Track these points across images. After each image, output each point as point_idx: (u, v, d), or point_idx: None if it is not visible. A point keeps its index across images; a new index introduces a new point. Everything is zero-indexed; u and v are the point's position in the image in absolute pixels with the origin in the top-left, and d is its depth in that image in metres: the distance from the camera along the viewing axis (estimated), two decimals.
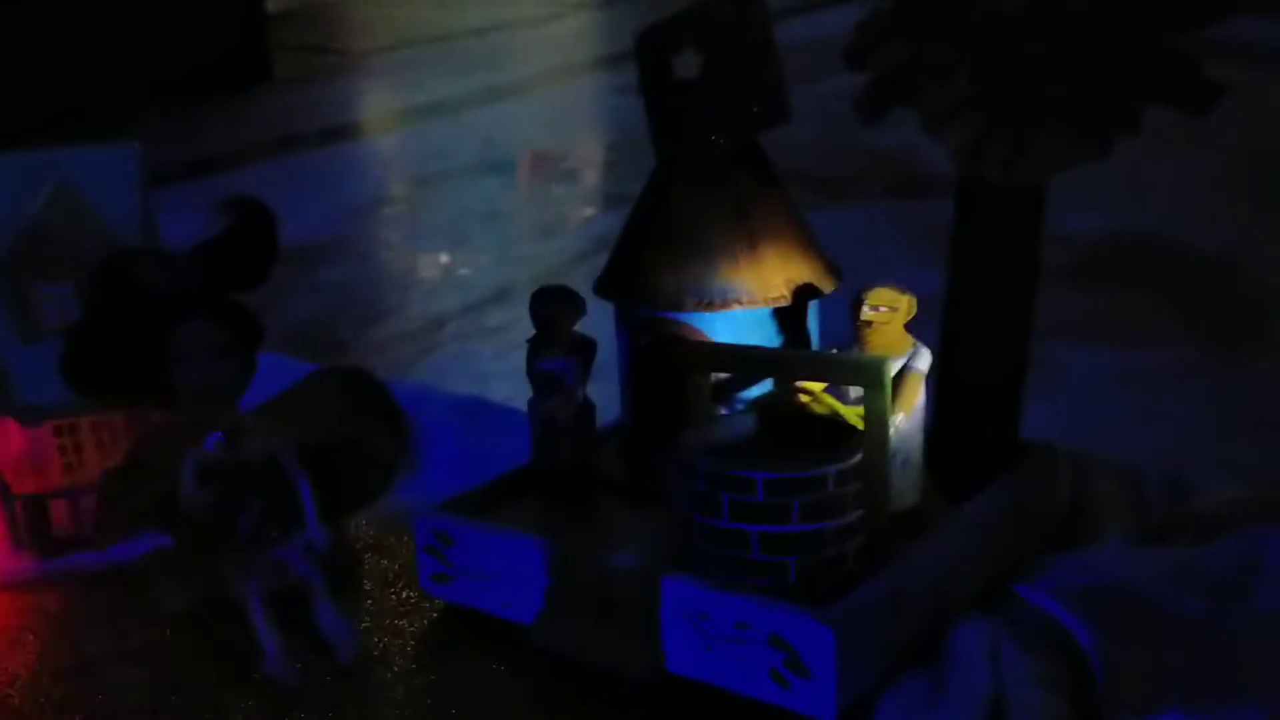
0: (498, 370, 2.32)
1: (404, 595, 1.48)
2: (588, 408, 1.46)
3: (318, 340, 2.53)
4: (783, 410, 1.32)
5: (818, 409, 1.32)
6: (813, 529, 1.18)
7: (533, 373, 1.47)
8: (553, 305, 1.45)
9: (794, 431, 1.27)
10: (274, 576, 1.44)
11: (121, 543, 1.50)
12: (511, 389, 2.21)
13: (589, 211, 3.52)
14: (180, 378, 1.45)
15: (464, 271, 2.96)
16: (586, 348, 1.47)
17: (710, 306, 1.42)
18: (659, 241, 1.46)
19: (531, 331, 1.48)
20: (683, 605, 1.21)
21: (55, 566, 1.56)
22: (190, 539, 1.47)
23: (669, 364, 1.34)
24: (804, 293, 1.46)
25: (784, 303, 1.44)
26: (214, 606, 1.46)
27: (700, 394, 1.31)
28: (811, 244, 1.50)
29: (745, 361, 1.31)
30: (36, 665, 1.41)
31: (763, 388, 1.41)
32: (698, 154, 1.46)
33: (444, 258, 3.09)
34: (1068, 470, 1.57)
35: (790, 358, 1.29)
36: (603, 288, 1.54)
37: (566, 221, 3.43)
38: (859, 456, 1.19)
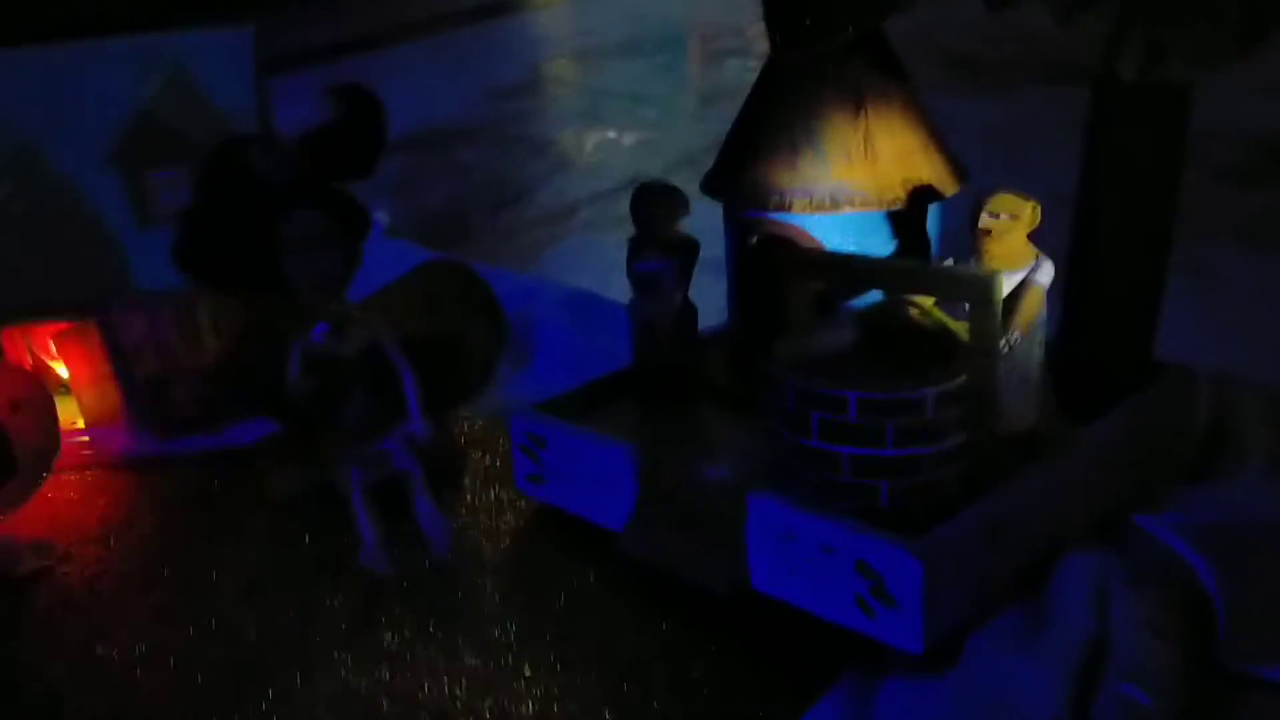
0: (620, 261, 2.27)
1: (500, 493, 1.48)
2: (688, 311, 1.41)
3: (449, 226, 2.52)
4: (888, 323, 1.24)
5: (926, 323, 1.24)
6: (908, 453, 1.11)
7: (632, 273, 1.42)
8: (652, 203, 1.39)
9: (898, 347, 1.19)
10: (376, 468, 1.45)
11: (234, 427, 1.53)
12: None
13: (730, 98, 3.41)
14: (288, 267, 1.45)
15: (599, 156, 2.90)
16: (687, 249, 1.41)
17: (820, 208, 1.34)
18: (768, 138, 1.37)
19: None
20: (769, 524, 1.16)
21: (172, 447, 1.61)
22: (296, 427, 1.50)
23: (771, 269, 1.27)
24: (923, 195, 1.37)
25: (899, 205, 1.36)
26: (319, 494, 1.50)
27: (802, 303, 1.25)
28: (934, 140, 1.40)
29: (847, 271, 1.23)
30: (147, 543, 1.46)
31: (871, 298, 1.34)
32: (815, 43, 1.37)
33: (581, 142, 3.04)
34: (1207, 394, 1.45)
35: (893, 269, 1.21)
36: (709, 186, 1.47)
37: (706, 107, 3.33)
38: (962, 379, 1.12)
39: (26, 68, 1.58)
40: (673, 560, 1.24)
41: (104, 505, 1.53)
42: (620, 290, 2.23)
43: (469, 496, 1.48)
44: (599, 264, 2.27)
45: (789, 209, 1.34)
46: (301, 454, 1.50)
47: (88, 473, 1.60)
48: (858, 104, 1.35)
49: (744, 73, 3.67)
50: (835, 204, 1.33)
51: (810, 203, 1.34)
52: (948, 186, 1.37)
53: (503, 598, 1.29)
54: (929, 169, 1.37)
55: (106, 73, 1.55)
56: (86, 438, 1.61)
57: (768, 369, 1.20)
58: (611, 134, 3.12)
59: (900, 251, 1.38)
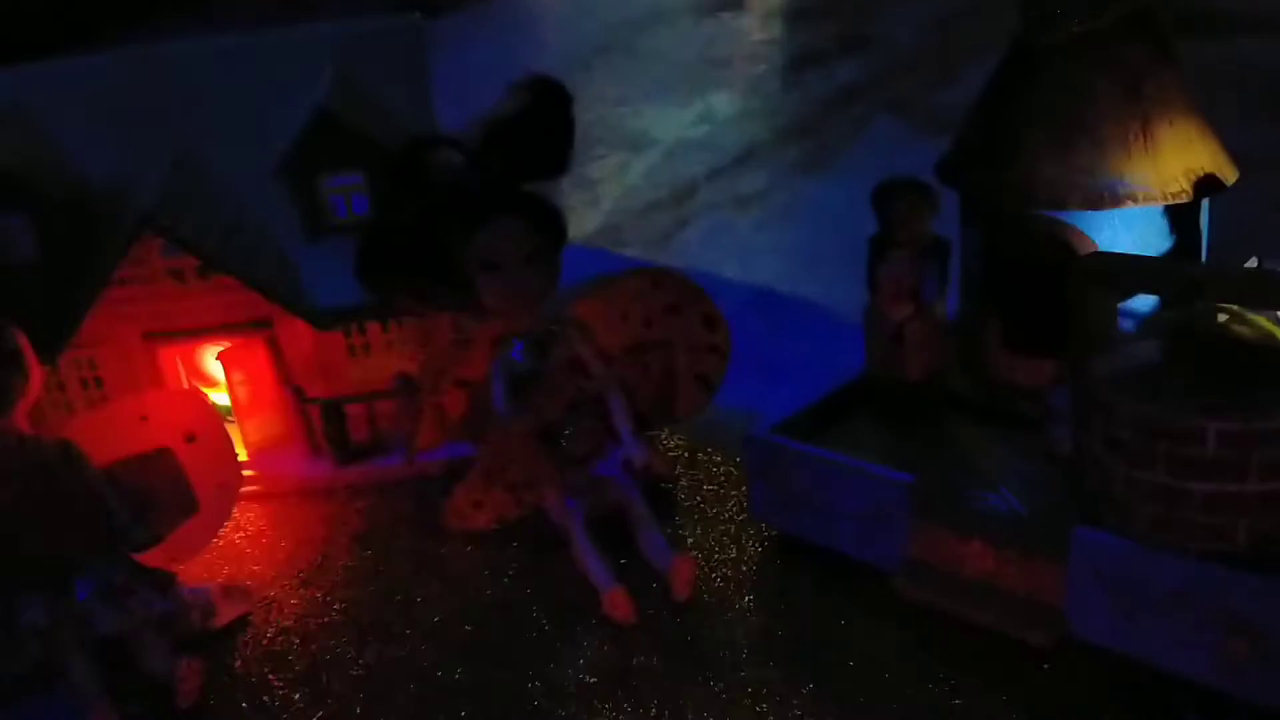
0: (762, 245, 2.14)
1: (734, 522, 1.36)
2: (941, 319, 1.29)
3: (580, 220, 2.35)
4: (1198, 335, 1.12)
5: (1244, 331, 1.11)
6: (1272, 487, 0.99)
7: (876, 278, 1.30)
8: (909, 204, 1.26)
9: (1220, 362, 1.07)
10: (595, 498, 1.34)
11: (427, 452, 1.40)
12: (780, 266, 2.04)
13: (827, 55, 3.25)
14: (484, 284, 1.32)
15: (703, 128, 2.76)
16: (940, 250, 1.29)
17: (1100, 202, 1.22)
18: (1032, 125, 1.24)
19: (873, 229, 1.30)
20: (1098, 564, 1.05)
21: (353, 473, 1.48)
22: (502, 453, 1.38)
23: (1068, 277, 1.14)
24: (1204, 186, 1.24)
25: (1184, 198, 1.23)
26: (515, 528, 1.38)
27: (1106, 315, 1.12)
28: (1209, 127, 1.27)
29: (1164, 278, 1.10)
30: (332, 574, 1.34)
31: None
32: (1082, 20, 1.24)
33: (677, 112, 2.88)
34: None
35: (1226, 276, 1.08)
36: (951, 175, 1.34)
37: (803, 67, 3.17)
38: None
39: (182, 64, 1.44)
40: (966, 605, 1.13)
41: (291, 540, 1.41)
42: (767, 275, 2.12)
43: (698, 527, 1.36)
44: (737, 249, 2.13)
45: (1062, 204, 1.22)
46: (500, 481, 1.38)
47: (260, 505, 1.48)
48: (1133, 87, 1.21)
49: (818, 39, 3.51)
50: (1115, 198, 1.20)
51: (1086, 197, 1.21)
52: (1228, 176, 1.25)
53: (760, 642, 1.17)
54: (1209, 158, 1.24)
55: (272, 69, 1.41)
56: (254, 468, 1.49)
57: (1083, 391, 1.08)
58: (706, 101, 2.96)
59: (1177, 250, 1.26)
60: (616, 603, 1.22)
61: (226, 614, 1.28)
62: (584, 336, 1.37)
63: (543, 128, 1.35)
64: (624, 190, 2.46)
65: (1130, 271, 1.09)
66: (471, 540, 1.37)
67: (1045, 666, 1.08)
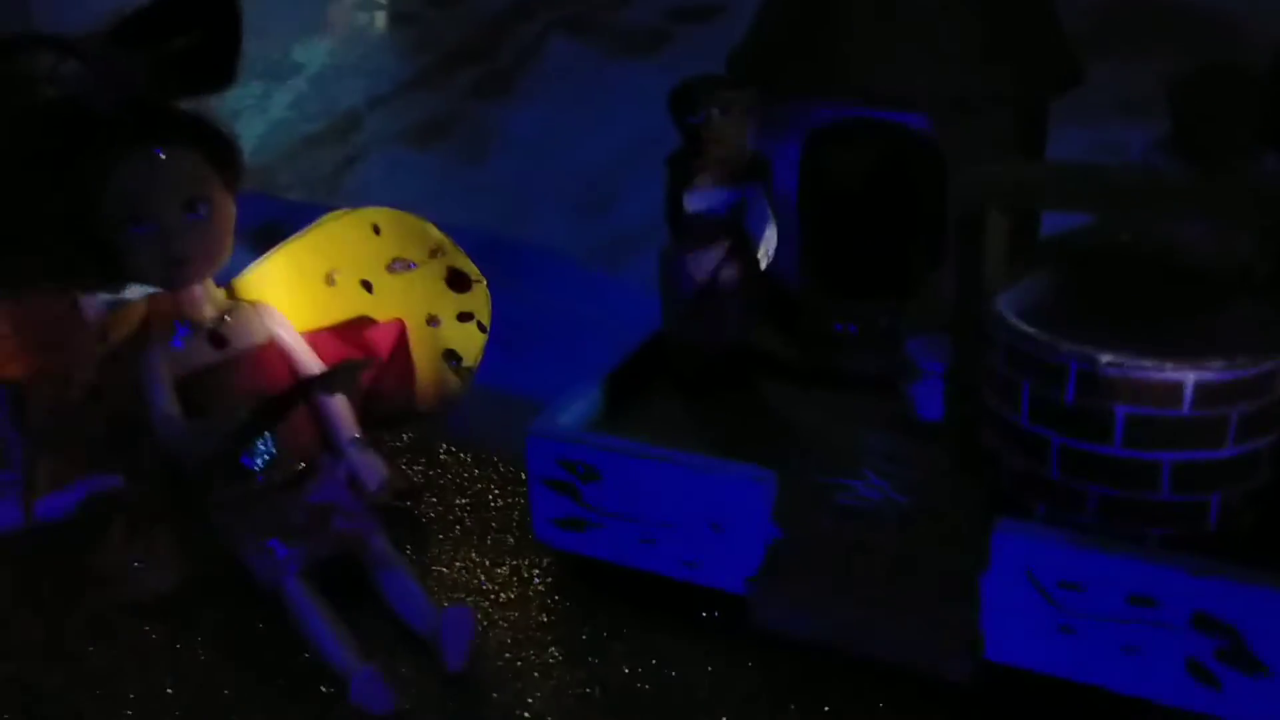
0: (457, 183, 1.78)
1: (509, 547, 1.01)
2: (767, 259, 1.00)
3: None
4: (1111, 260, 0.89)
5: (1170, 257, 0.89)
6: (1249, 451, 0.78)
7: (677, 212, 0.99)
8: (717, 109, 0.95)
9: (1154, 295, 0.85)
10: (316, 539, 0.96)
11: (53, 495, 0.97)
12: (487, 208, 1.70)
13: None
14: (127, 244, 0.91)
15: (355, 52, 2.33)
16: (762, 171, 1.00)
17: (951, 104, 0.97)
18: (864, 10, 0.97)
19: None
20: (1031, 567, 0.80)
21: None
22: (166, 485, 0.97)
23: (957, 194, 0.87)
24: (1054, 83, 1.02)
25: (1044, 96, 1.01)
26: (210, 589, 0.97)
27: (1006, 241, 0.87)
28: (1057, 22, 1.06)
29: (1089, 190, 0.85)
30: None
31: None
32: None
33: (322, 34, 2.44)
34: None
35: (1159, 185, 0.85)
36: (753, 70, 1.05)
37: None
38: None
39: None
40: (850, 632, 0.85)
41: None
42: (477, 218, 1.76)
43: (464, 561, 1.00)
44: (422, 187, 1.77)
45: (911, 105, 0.96)
46: (172, 527, 0.97)
47: None
48: None
49: None
50: (968, 97, 0.96)
51: (936, 96, 0.96)
52: (1076, 75, 1.03)
53: (577, 716, 0.86)
54: (1058, 55, 1.02)
55: None
56: None
57: (980, 339, 0.83)
58: (346, 26, 2.53)
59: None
60: (367, 690, 0.86)
61: None
62: (271, 308, 0.98)
63: (200, 17, 0.94)
64: (269, 124, 2.02)
65: (1043, 183, 0.84)
66: (139, 614, 0.96)
67: (960, 708, 0.83)
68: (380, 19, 2.51)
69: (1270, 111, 0.91)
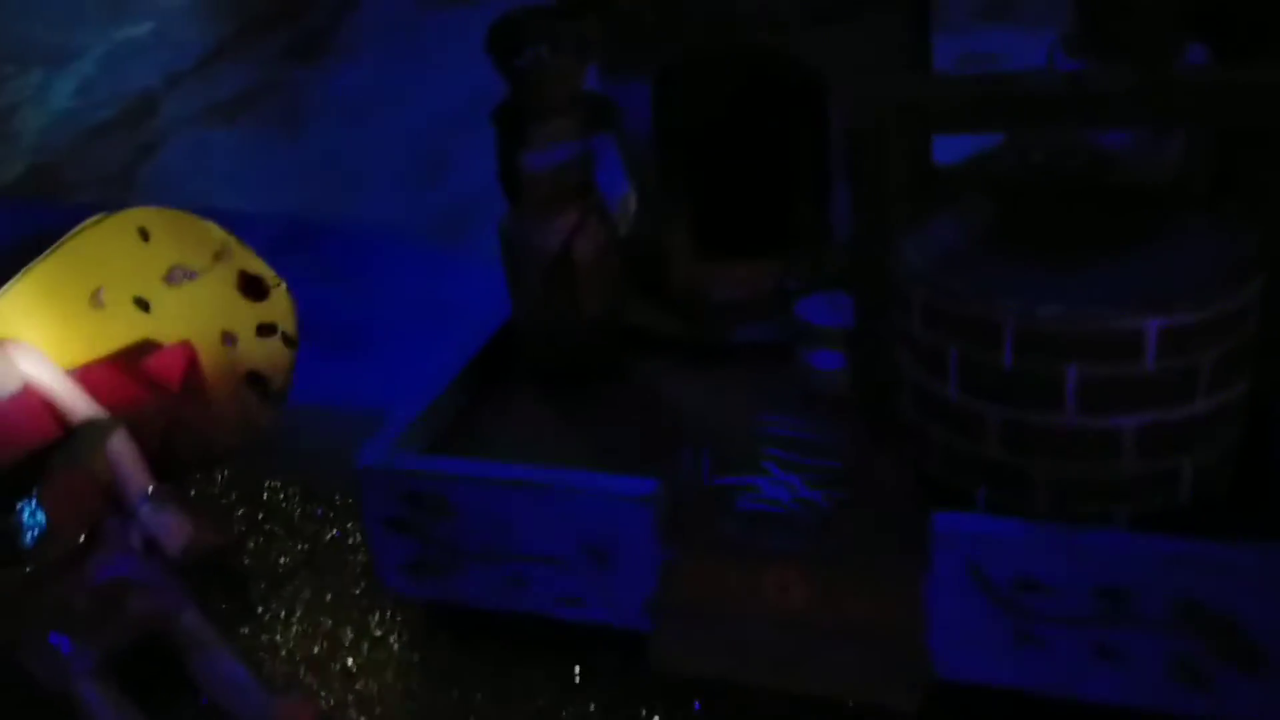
0: (268, 163, 1.58)
1: (349, 601, 0.84)
2: (626, 220, 0.84)
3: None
4: (1044, 182, 0.75)
5: (1110, 183, 0.76)
6: (1223, 403, 0.65)
7: (513, 175, 0.82)
8: (547, 47, 0.79)
9: (1089, 224, 0.71)
10: (109, 626, 0.77)
11: None
12: (305, 188, 1.50)
13: None
14: None
15: (146, 25, 2.08)
16: (608, 116, 0.83)
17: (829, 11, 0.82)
18: None
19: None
20: (979, 563, 0.66)
21: None
22: None
23: (855, 119, 0.71)
24: None
25: None
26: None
27: (900, 173, 0.72)
28: None
29: (1007, 104, 0.70)
30: None
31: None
32: None
33: (106, 9, 2.17)
34: None
35: (1079, 90, 0.70)
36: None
37: None
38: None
39: None
40: (776, 667, 0.71)
41: None
42: (294, 201, 1.55)
43: (296, 625, 0.83)
44: (230, 172, 1.56)
45: (781, 26, 0.80)
46: None
47: None
48: None
49: None
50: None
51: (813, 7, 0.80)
52: None
53: None
54: None
55: None
56: None
57: (887, 293, 0.68)
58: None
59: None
60: None
61: None
62: (30, 353, 0.79)
63: None
64: (51, 116, 1.77)
65: (949, 98, 0.69)
66: None
67: None
68: None
69: None
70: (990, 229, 0.72)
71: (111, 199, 1.47)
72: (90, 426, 0.76)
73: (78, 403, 0.81)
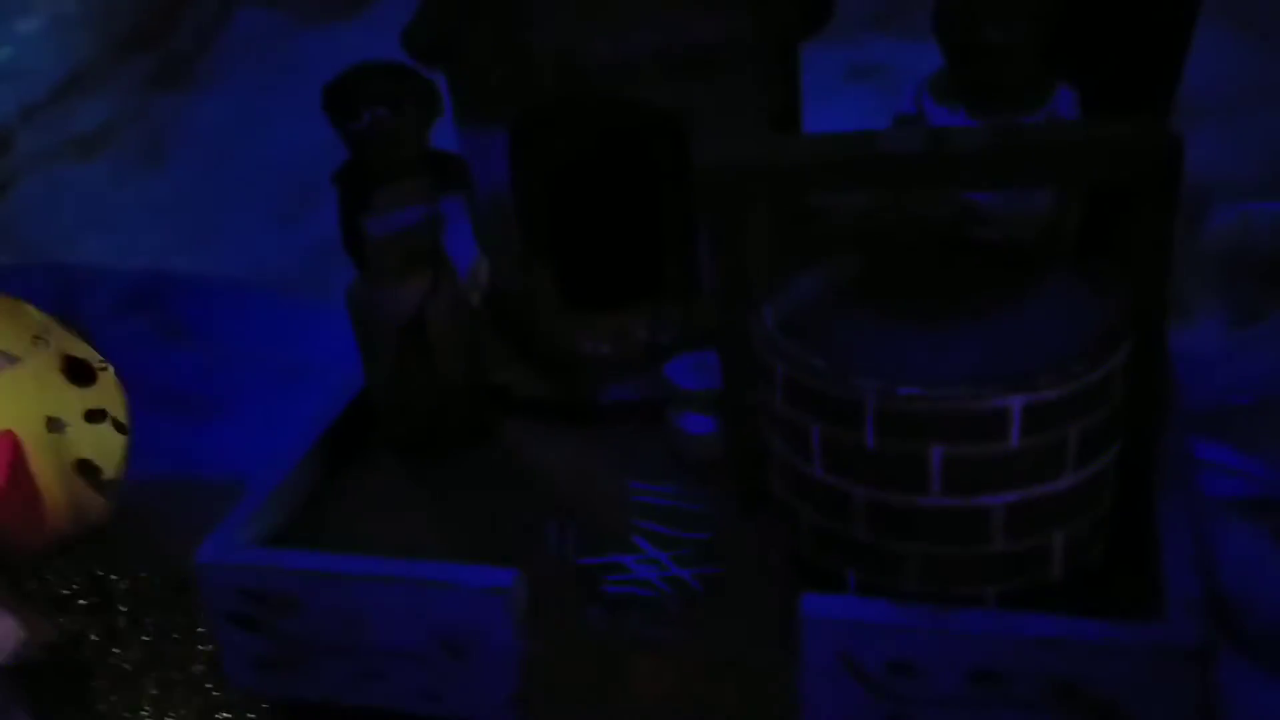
0: (130, 201, 1.50)
1: (208, 701, 0.78)
2: (480, 281, 0.79)
3: None
4: (909, 238, 0.73)
5: (979, 236, 0.73)
6: (1091, 475, 0.63)
7: (357, 242, 0.77)
8: (388, 105, 0.74)
9: (953, 285, 0.69)
10: None
11: None
12: (167, 229, 1.43)
13: None
14: None
15: None
16: (456, 173, 0.78)
17: (695, 66, 0.78)
18: None
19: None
20: (849, 650, 0.64)
21: None
22: None
23: (710, 181, 0.68)
24: (800, 25, 0.85)
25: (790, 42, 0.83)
26: None
27: (763, 235, 0.69)
28: None
29: (880, 164, 0.67)
30: None
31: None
32: None
33: None
34: None
35: (941, 151, 0.67)
36: (437, 51, 0.83)
37: None
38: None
39: None
40: None
41: None
42: (155, 244, 1.47)
43: None
44: (88, 212, 1.48)
45: (635, 73, 0.76)
46: None
47: None
48: None
49: None
50: (709, 55, 0.78)
51: (667, 58, 0.77)
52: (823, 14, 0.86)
53: None
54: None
55: None
56: None
57: (750, 359, 0.65)
58: None
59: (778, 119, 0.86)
60: None
61: None
62: None
63: None
64: None
65: (809, 163, 0.66)
66: None
67: None
68: (23, 6, 2.14)
69: (1051, 33, 0.76)
70: (854, 289, 0.69)
71: None
72: None
73: None
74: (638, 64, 0.77)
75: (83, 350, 0.77)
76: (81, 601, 0.85)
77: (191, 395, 0.98)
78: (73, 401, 0.77)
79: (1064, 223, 0.75)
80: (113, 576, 0.83)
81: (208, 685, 0.78)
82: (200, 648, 0.81)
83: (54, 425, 0.77)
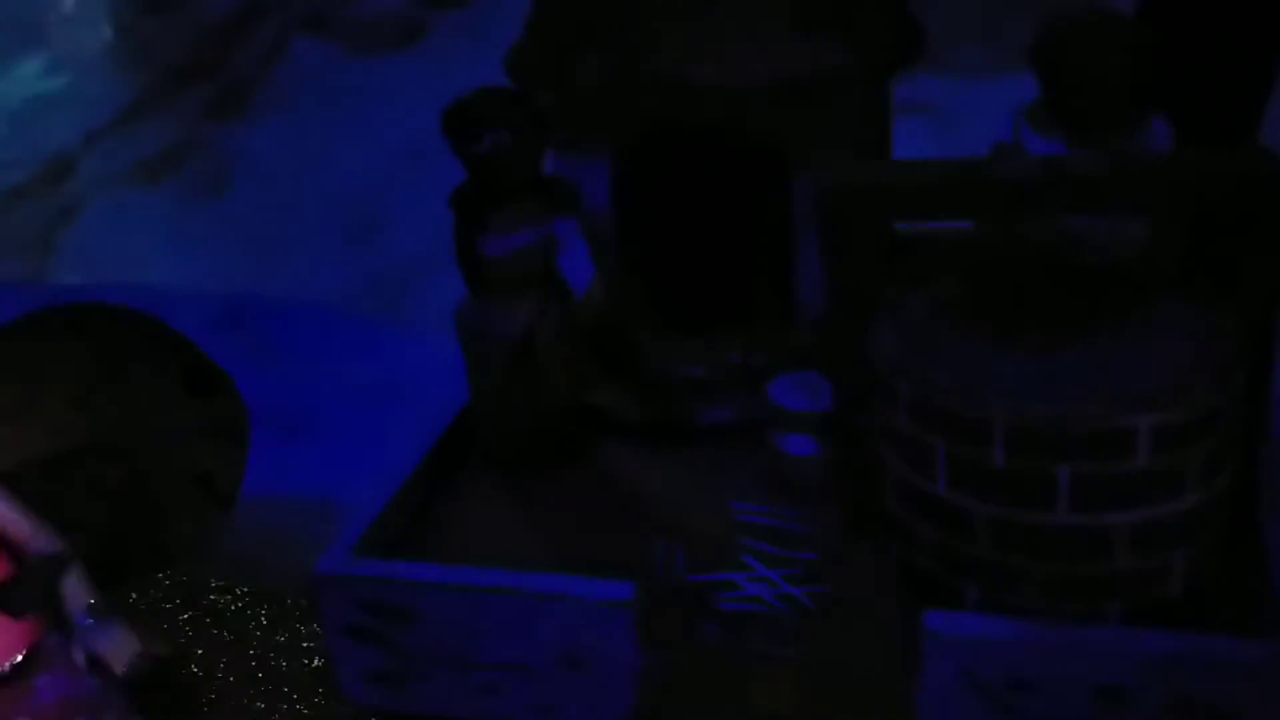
0: (197, 225, 1.53)
1: (313, 714, 0.79)
2: (596, 305, 0.81)
3: None
4: (1014, 261, 0.74)
5: (1083, 259, 0.74)
6: (1208, 497, 0.64)
7: (472, 262, 0.79)
8: (494, 123, 0.76)
9: (1067, 310, 0.70)
10: None
11: None
12: (236, 254, 1.45)
13: None
14: None
15: (59, 79, 2.01)
16: (570, 198, 0.80)
17: (794, 85, 0.80)
18: None
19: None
20: (973, 668, 0.65)
21: None
22: None
23: (831, 214, 0.70)
24: (899, 57, 0.87)
25: (889, 72, 0.85)
26: None
27: (874, 259, 0.70)
28: None
29: (982, 187, 0.69)
30: None
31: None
32: None
33: (12, 63, 2.10)
34: None
35: (1055, 177, 0.69)
36: (539, 71, 0.85)
37: None
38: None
39: None
40: None
41: None
42: (224, 269, 1.49)
43: None
44: (156, 237, 1.50)
45: (747, 88, 0.78)
46: None
47: None
48: None
49: None
50: (814, 78, 0.80)
51: (779, 76, 0.79)
52: (917, 46, 0.88)
53: None
54: (897, 24, 0.86)
55: None
56: None
57: (867, 379, 0.66)
58: (41, 50, 2.20)
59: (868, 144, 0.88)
60: None
61: None
62: None
63: None
64: None
65: (921, 188, 0.68)
66: None
67: None
68: (84, 37, 2.17)
69: (1148, 66, 0.78)
70: (964, 310, 0.71)
71: (28, 272, 1.41)
72: (44, 563, 0.71)
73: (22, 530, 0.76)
74: (745, 92, 0.79)
75: (202, 360, 0.79)
76: (186, 615, 0.87)
77: (281, 414, 1.00)
78: (193, 411, 0.79)
79: (1165, 248, 0.77)
80: (220, 586, 0.84)
81: (316, 699, 0.79)
82: (305, 662, 0.82)
83: (171, 439, 0.79)
